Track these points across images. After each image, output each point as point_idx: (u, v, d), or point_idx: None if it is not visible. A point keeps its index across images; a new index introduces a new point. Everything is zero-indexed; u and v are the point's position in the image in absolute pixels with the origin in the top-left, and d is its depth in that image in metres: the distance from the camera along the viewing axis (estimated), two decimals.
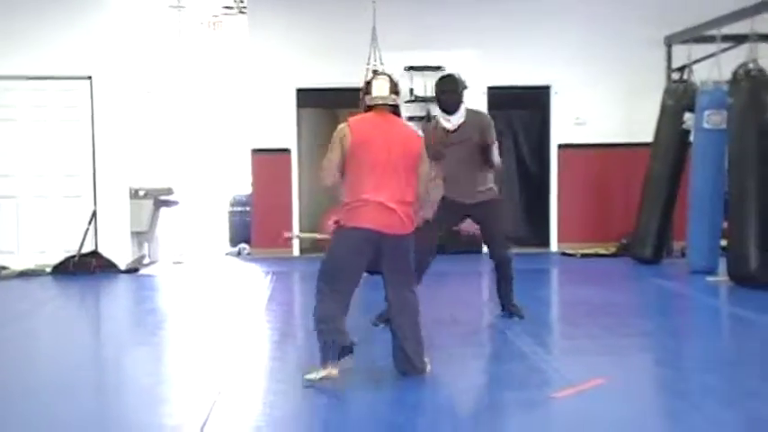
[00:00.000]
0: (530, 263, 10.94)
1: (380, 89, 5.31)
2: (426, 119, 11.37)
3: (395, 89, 5.32)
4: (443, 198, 6.73)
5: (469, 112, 6.75)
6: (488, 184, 6.88)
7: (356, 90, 10.48)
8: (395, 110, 5.34)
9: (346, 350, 5.11)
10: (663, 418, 4.57)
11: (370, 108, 5.34)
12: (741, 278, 8.53)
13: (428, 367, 5.33)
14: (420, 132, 5.50)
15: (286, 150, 11.59)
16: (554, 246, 11.80)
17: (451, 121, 6.70)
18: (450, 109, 6.68)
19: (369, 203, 5.14)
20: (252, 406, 4.90)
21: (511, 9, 11.54)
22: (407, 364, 5.25)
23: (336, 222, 5.27)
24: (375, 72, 5.39)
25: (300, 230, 11.50)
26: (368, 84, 5.42)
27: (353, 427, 4.56)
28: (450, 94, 6.66)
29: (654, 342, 6.44)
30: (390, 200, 5.15)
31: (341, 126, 5.29)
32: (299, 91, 11.55)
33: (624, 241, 11.12)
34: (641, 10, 11.47)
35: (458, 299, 8.32)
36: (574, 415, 4.62)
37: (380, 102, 5.30)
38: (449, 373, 5.45)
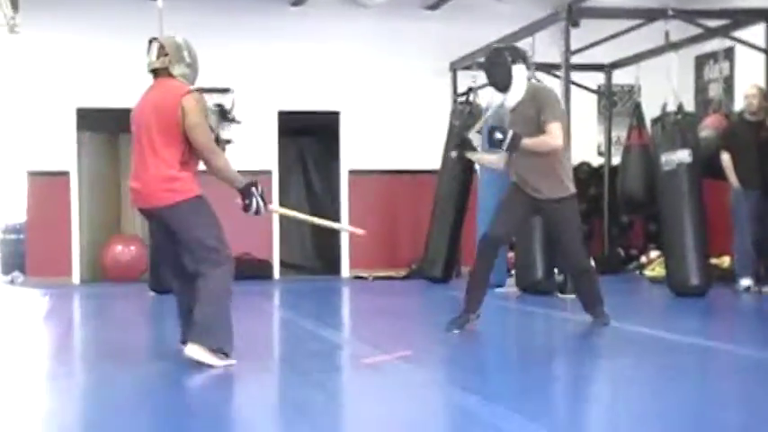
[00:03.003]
0: (322, 285, 10.86)
1: (149, 56, 5.05)
2: (215, 140, 11.08)
3: (163, 52, 5.00)
4: (516, 187, 5.99)
5: (531, 88, 5.97)
6: (558, 178, 5.95)
7: None
8: (168, 71, 5.00)
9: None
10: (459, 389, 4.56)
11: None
12: (529, 287, 8.79)
13: (213, 358, 4.77)
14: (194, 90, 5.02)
15: (65, 173, 10.97)
16: (345, 272, 11.73)
17: (508, 99, 5.98)
18: (498, 84, 5.97)
19: (131, 178, 5.03)
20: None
21: (300, 34, 11.53)
22: (189, 329, 4.89)
23: None
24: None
25: (81, 257, 10.94)
26: None
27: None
28: (495, 68, 5.91)
29: (454, 338, 6.44)
30: (140, 172, 4.89)
31: None
32: (80, 111, 10.98)
33: (414, 266, 11.20)
34: (426, 39, 11.73)
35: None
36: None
37: (150, 68, 5.06)
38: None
